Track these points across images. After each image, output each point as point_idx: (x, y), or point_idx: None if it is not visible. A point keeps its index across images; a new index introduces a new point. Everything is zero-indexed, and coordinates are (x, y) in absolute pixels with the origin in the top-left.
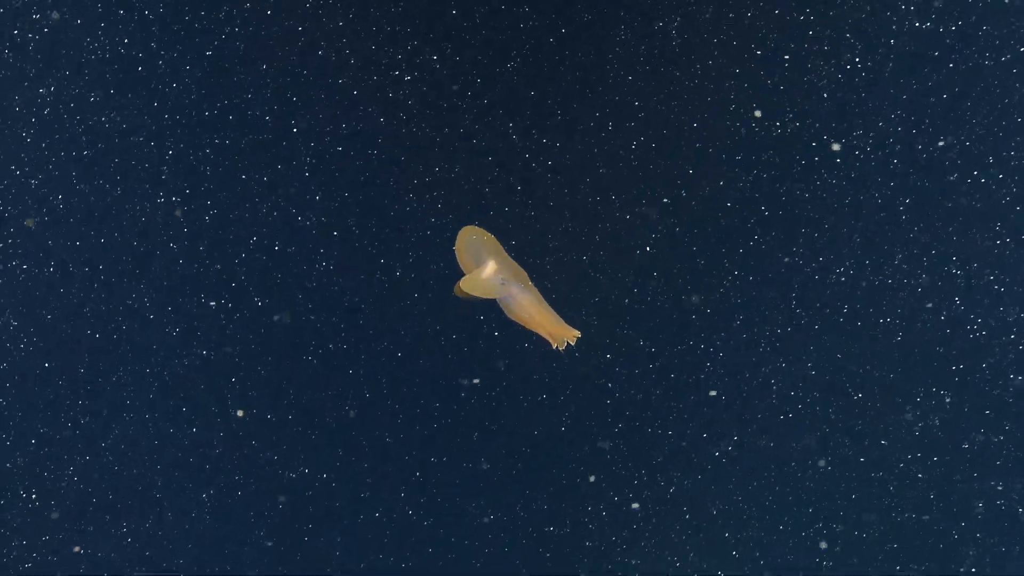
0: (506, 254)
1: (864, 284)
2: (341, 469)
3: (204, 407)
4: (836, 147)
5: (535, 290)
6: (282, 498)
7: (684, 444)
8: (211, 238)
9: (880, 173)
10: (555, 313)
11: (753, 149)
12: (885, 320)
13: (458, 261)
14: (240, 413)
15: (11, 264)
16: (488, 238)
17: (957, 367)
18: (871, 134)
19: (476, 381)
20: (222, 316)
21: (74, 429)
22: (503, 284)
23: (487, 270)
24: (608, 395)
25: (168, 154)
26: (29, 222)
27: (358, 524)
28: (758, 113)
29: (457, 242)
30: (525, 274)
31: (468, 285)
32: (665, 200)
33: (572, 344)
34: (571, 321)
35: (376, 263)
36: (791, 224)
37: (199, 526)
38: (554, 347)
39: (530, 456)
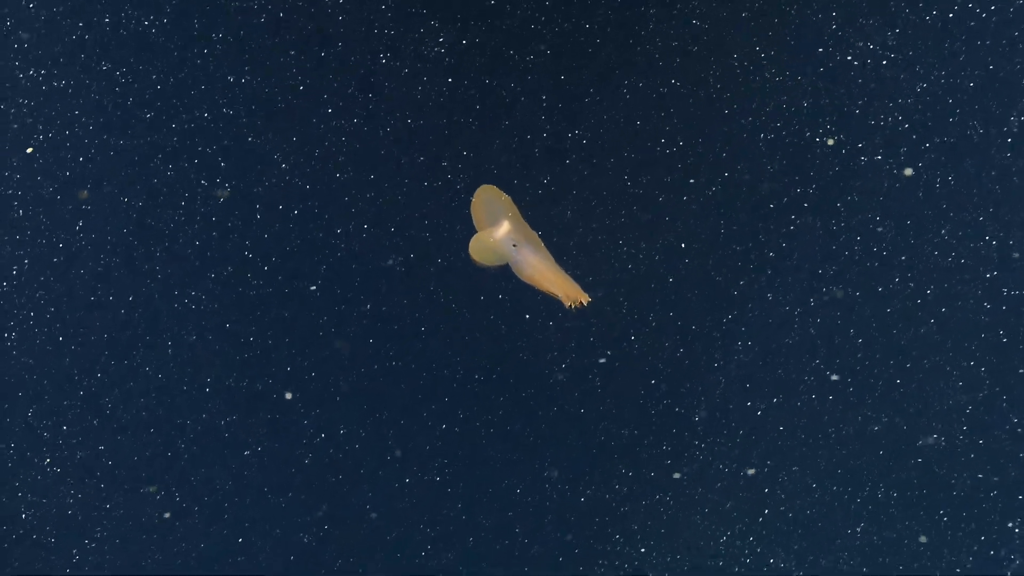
0: (520, 217)
1: (904, 262)
2: (366, 438)
3: (224, 379)
4: (872, 123)
5: (547, 253)
6: (307, 461)
7: (720, 426)
8: (232, 211)
9: (916, 150)
10: (567, 275)
11: (786, 129)
12: (926, 297)
13: (472, 218)
14: (289, 396)
15: (35, 241)
16: (504, 199)
17: (1002, 346)
18: (907, 112)
19: (499, 359)
20: (239, 287)
21: (97, 406)
22: (515, 246)
23: (500, 230)
24: (634, 377)
25: (187, 127)
26: (83, 194)
27: (383, 488)
28: (830, 142)
29: (474, 199)
30: (537, 237)
31: (479, 244)
32: (692, 181)
33: (584, 305)
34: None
35: (398, 240)
36: (827, 203)
37: (225, 493)
38: (567, 306)
39: (556, 436)
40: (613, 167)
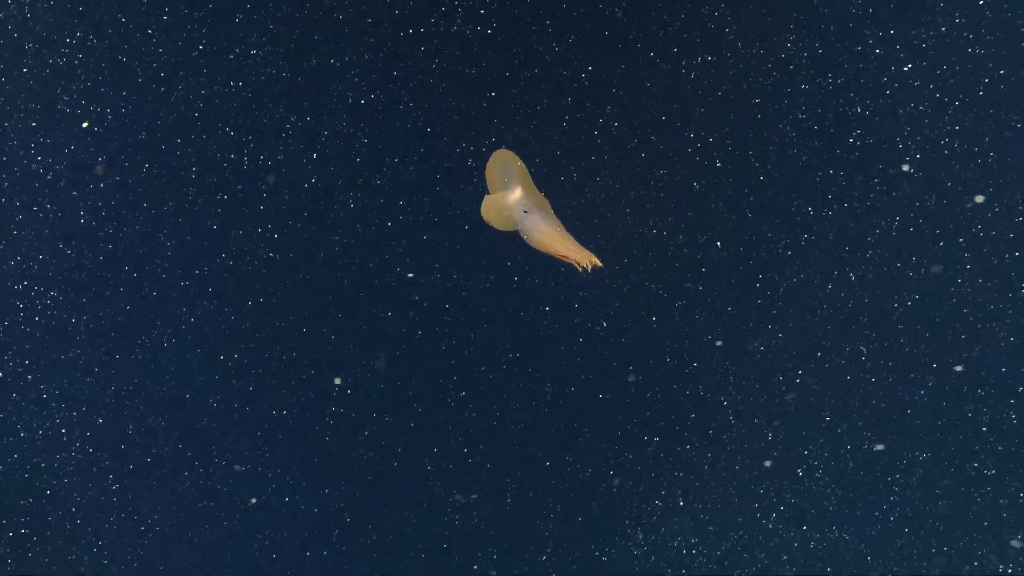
0: (533, 184)
1: (937, 241)
2: (386, 418)
3: (241, 361)
4: (907, 107)
5: (557, 220)
6: (331, 421)
7: (751, 408)
8: (246, 186)
9: (948, 130)
10: (576, 242)
11: (821, 108)
12: (964, 274)
13: (487, 181)
14: (337, 381)
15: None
16: (520, 165)
17: None
18: (939, 93)
19: (520, 346)
20: (256, 259)
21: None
22: (526, 212)
23: (513, 195)
24: (659, 360)
25: (199, 106)
26: (99, 168)
27: (399, 477)
28: (905, 168)
29: (488, 163)
30: (548, 205)
31: (491, 205)
32: (718, 164)
33: (599, 265)
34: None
35: (418, 216)
36: (860, 185)
37: (240, 487)
38: (580, 269)
39: (581, 421)
40: (641, 150)
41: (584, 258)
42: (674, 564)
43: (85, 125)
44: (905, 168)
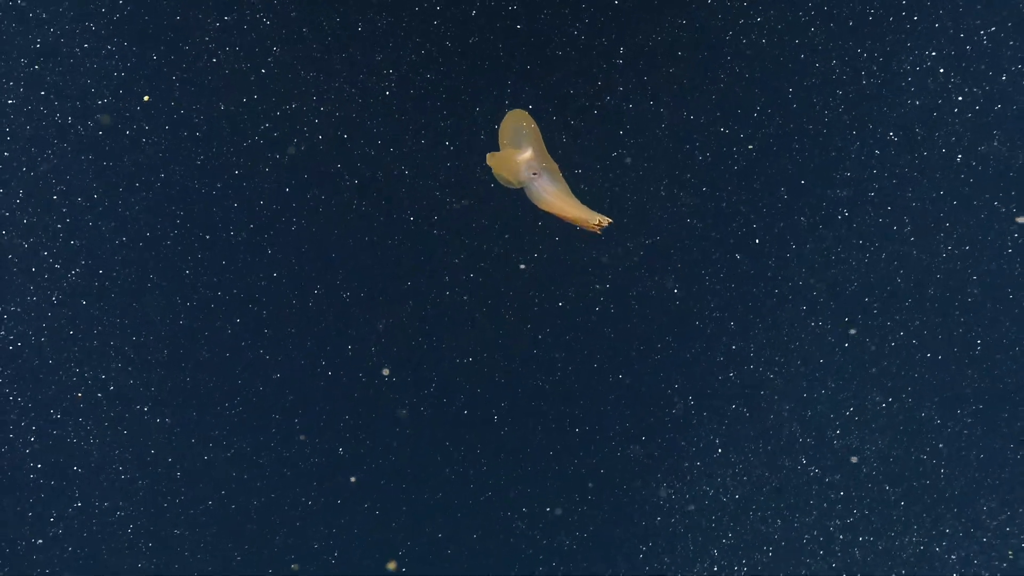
0: (544, 147)
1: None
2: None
3: (238, 330)
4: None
5: (565, 184)
6: (356, 395)
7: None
8: (256, 166)
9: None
10: (583, 205)
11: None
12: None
13: (499, 141)
14: (386, 372)
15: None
16: (533, 127)
17: None
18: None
19: (536, 312)
20: (265, 235)
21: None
22: (534, 175)
23: (524, 154)
24: (683, 331)
25: (211, 91)
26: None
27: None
28: (942, 151)
29: (503, 122)
30: (557, 168)
31: (499, 160)
32: (751, 147)
33: (611, 222)
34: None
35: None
36: (894, 163)
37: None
38: (591, 228)
39: (607, 409)
40: (672, 127)
41: (593, 217)
42: (712, 515)
43: (147, 99)
44: (943, 150)
